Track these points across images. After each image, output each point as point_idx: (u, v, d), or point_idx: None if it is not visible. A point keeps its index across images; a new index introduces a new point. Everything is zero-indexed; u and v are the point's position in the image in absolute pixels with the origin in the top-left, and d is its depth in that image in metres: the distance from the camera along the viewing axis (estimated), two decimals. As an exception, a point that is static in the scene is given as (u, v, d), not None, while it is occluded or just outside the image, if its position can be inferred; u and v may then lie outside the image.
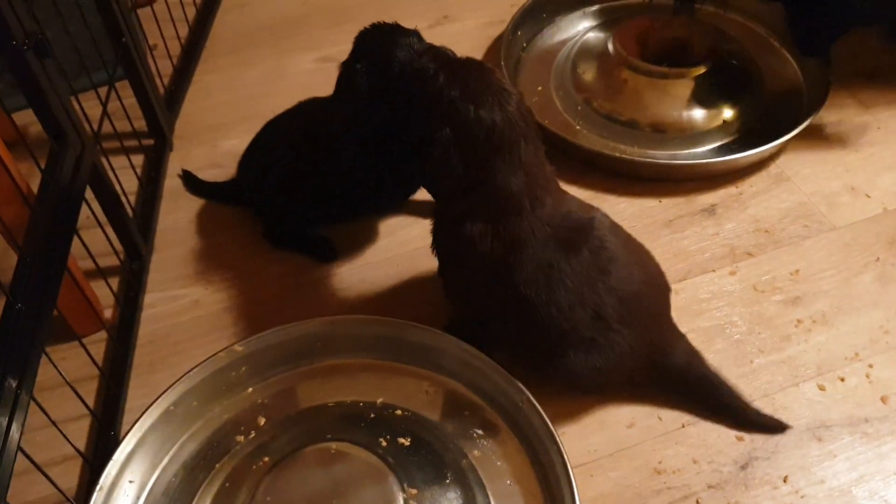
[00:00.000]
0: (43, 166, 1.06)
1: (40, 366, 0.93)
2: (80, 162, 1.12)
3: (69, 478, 1.10)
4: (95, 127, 1.23)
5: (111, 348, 1.22)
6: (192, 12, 1.78)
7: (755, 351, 1.19)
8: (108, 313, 1.27)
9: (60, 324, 1.18)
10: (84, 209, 1.13)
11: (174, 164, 1.49)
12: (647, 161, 1.43)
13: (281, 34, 1.78)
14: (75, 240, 1.09)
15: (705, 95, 1.49)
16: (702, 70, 1.48)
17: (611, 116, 1.51)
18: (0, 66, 0.97)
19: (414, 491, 1.01)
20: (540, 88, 1.59)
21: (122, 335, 1.24)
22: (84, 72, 1.28)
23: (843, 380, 1.15)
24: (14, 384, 0.86)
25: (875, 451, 1.08)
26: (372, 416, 1.10)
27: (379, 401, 1.12)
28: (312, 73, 1.67)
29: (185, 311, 1.28)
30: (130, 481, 1.05)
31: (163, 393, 1.08)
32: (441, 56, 1.06)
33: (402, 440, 1.07)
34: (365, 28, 1.16)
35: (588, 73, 1.56)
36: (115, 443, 1.08)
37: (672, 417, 1.12)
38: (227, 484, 1.04)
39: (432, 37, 1.61)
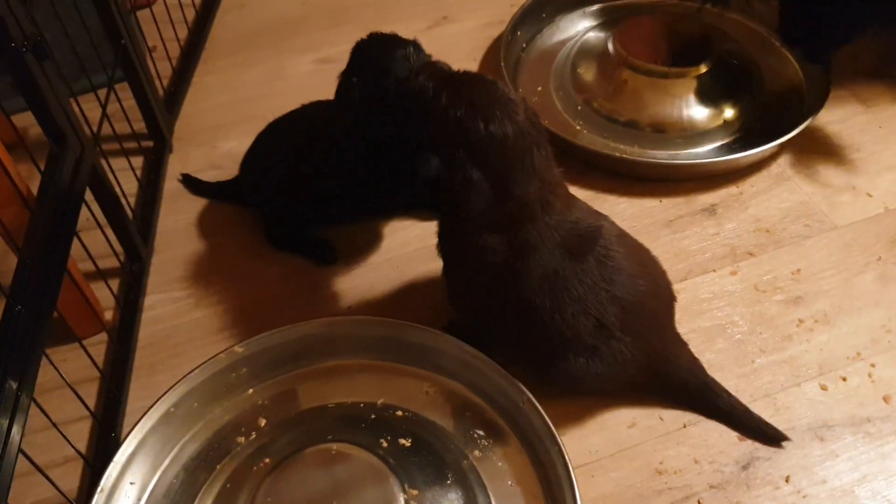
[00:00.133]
0: (42, 168, 1.06)
1: (41, 368, 0.93)
2: (79, 164, 1.12)
3: (70, 480, 1.10)
4: (95, 129, 1.23)
5: (111, 350, 1.22)
6: (191, 14, 1.78)
7: (756, 351, 1.19)
8: (108, 315, 1.27)
9: (61, 326, 1.18)
10: (84, 211, 1.13)
11: (174, 166, 1.49)
12: (647, 161, 1.43)
13: (280, 35, 1.78)
14: (75, 242, 1.09)
15: (706, 95, 1.48)
16: (702, 70, 1.48)
17: (611, 116, 1.51)
18: (-1, 68, 0.98)
19: (415, 492, 1.01)
20: (540, 89, 1.59)
21: (122, 337, 1.23)
22: (83, 74, 1.28)
23: (844, 379, 1.15)
24: (14, 386, 0.86)
25: (877, 451, 1.08)
26: (372, 416, 1.10)
27: (379, 402, 1.12)
28: (312, 75, 1.67)
29: (186, 312, 1.28)
30: (131, 483, 1.04)
31: (163, 394, 1.08)
32: (439, 73, 1.04)
33: (402, 441, 1.07)
34: (362, 39, 1.14)
35: (588, 74, 1.56)
36: (115, 444, 1.07)
37: (673, 417, 1.12)
38: (228, 485, 1.04)
39: (432, 37, 1.61)
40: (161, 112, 1.51)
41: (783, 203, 1.38)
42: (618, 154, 1.43)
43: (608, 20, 1.69)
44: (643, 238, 1.13)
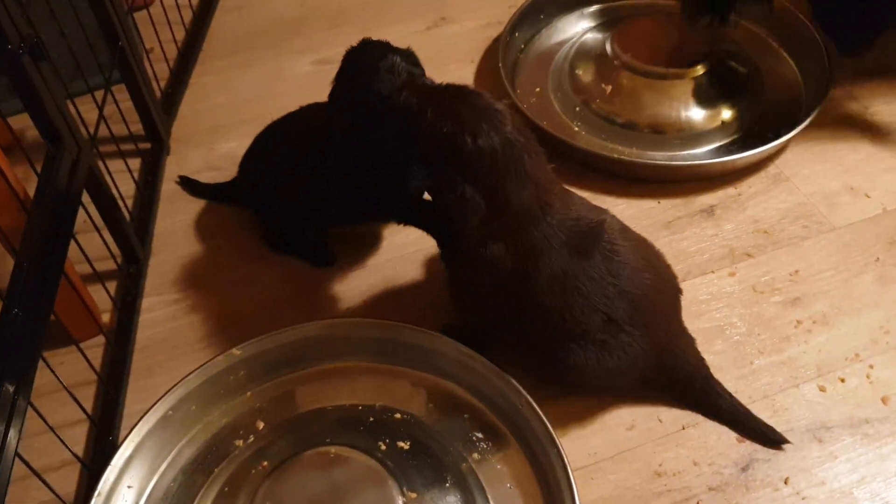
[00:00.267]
0: (39, 170, 1.06)
1: (38, 371, 0.93)
2: (76, 166, 1.12)
3: (67, 483, 1.09)
4: (92, 131, 1.23)
5: (109, 353, 1.22)
6: (188, 15, 1.78)
7: (755, 352, 1.19)
8: (105, 318, 1.27)
9: (58, 328, 1.18)
10: (81, 213, 1.13)
11: (171, 168, 1.49)
12: (645, 162, 1.43)
13: (278, 36, 1.77)
14: (72, 244, 1.09)
15: (704, 96, 1.48)
16: (700, 71, 1.48)
17: (609, 118, 1.51)
18: (-4, 70, 0.97)
19: (413, 495, 1.01)
20: (538, 90, 1.59)
21: (119, 340, 1.23)
22: (80, 75, 1.27)
23: (843, 381, 1.15)
24: (11, 390, 0.86)
25: (876, 453, 1.08)
26: (371, 419, 1.10)
27: (378, 404, 1.12)
28: (310, 76, 1.67)
29: (183, 315, 1.28)
30: (129, 487, 1.04)
31: (161, 397, 1.08)
32: (422, 88, 1.03)
33: (401, 444, 1.07)
34: (352, 47, 1.14)
35: (586, 75, 1.56)
36: (113, 448, 1.07)
37: (672, 419, 1.12)
38: (226, 489, 1.04)
39: (430, 38, 1.61)
40: (158, 114, 1.50)
41: (781, 204, 1.38)
42: (616, 155, 1.43)
43: (606, 21, 1.69)
44: (642, 240, 1.13)
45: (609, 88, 1.52)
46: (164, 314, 1.28)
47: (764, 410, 1.11)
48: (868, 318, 1.22)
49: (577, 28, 1.71)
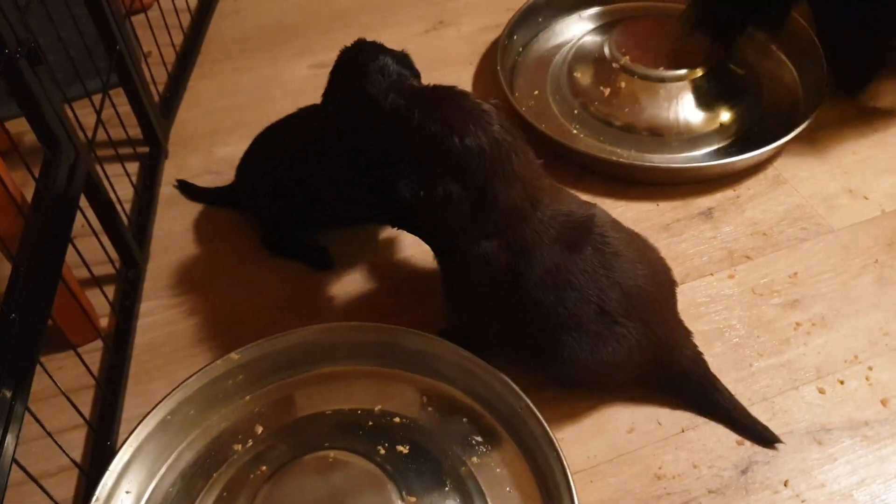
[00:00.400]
0: (37, 175, 1.06)
1: (35, 376, 0.92)
2: (74, 170, 1.11)
3: (65, 489, 1.09)
4: (90, 135, 1.23)
5: (107, 357, 1.22)
6: (186, 19, 1.77)
7: (754, 354, 1.19)
8: (103, 322, 1.27)
9: (55, 333, 1.18)
10: (79, 217, 1.12)
11: (169, 172, 1.49)
12: (644, 165, 1.43)
13: (276, 40, 1.77)
14: (70, 248, 1.08)
15: (702, 99, 1.48)
16: (699, 73, 1.48)
17: (607, 120, 1.50)
18: (-7, 74, 0.97)
19: (413, 499, 1.01)
20: (536, 93, 1.59)
21: (117, 344, 1.23)
22: (78, 79, 1.27)
23: (842, 383, 1.15)
24: (9, 395, 0.85)
25: (876, 455, 1.08)
26: (370, 423, 1.10)
27: (377, 408, 1.12)
28: (308, 79, 1.67)
29: (182, 319, 1.28)
30: (127, 492, 1.04)
31: (159, 402, 1.08)
32: (408, 90, 1.03)
33: (400, 448, 1.06)
34: (346, 47, 1.14)
35: (584, 77, 1.56)
36: (111, 453, 1.07)
37: (672, 422, 1.12)
38: (225, 493, 1.04)
39: (428, 42, 1.61)
40: (156, 117, 1.50)
41: (780, 206, 1.38)
42: (615, 158, 1.43)
43: (604, 24, 1.69)
44: (640, 242, 1.13)
45: (607, 91, 1.52)
46: (162, 318, 1.28)
47: (763, 413, 1.11)
48: (867, 319, 1.22)
49: (576, 31, 1.71)
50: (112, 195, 1.26)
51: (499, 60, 1.56)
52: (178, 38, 1.73)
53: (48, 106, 1.06)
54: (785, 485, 1.05)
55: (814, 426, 1.11)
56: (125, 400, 1.18)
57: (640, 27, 1.58)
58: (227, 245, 1.37)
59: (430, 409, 1.12)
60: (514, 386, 1.07)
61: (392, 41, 1.15)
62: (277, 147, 1.32)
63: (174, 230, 1.40)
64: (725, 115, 1.49)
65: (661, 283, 1.10)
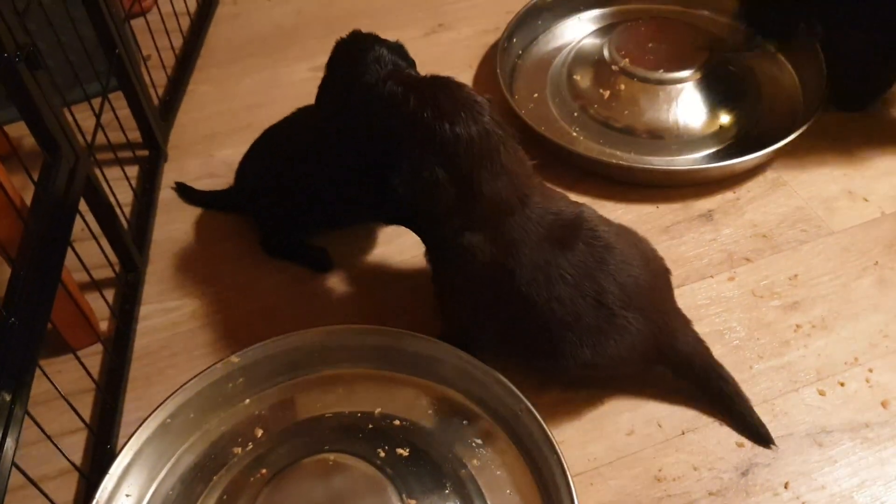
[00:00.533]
0: (36, 179, 1.06)
1: (35, 379, 0.92)
2: (73, 174, 1.11)
3: (65, 492, 1.09)
4: (89, 138, 1.23)
5: (107, 361, 1.22)
6: (185, 23, 1.78)
7: (754, 356, 1.18)
8: (103, 326, 1.27)
9: (55, 337, 1.18)
10: (78, 221, 1.12)
11: (169, 175, 1.49)
12: (643, 167, 1.43)
13: (275, 44, 1.77)
14: (69, 252, 1.08)
15: (702, 101, 1.48)
16: (698, 76, 1.48)
17: (607, 123, 1.50)
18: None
19: (413, 501, 1.01)
20: (536, 96, 1.59)
21: (117, 348, 1.23)
22: (77, 83, 1.27)
23: (842, 384, 1.15)
24: (8, 398, 0.86)
25: (876, 456, 1.08)
26: (370, 426, 1.10)
27: (377, 411, 1.12)
28: (307, 83, 1.66)
29: (182, 322, 1.28)
30: (127, 495, 1.04)
31: (159, 405, 1.07)
32: (406, 78, 1.05)
33: (400, 450, 1.06)
34: (342, 38, 1.15)
35: (584, 80, 1.56)
36: (111, 456, 1.07)
37: (672, 424, 1.12)
38: (225, 497, 1.04)
39: (427, 45, 1.61)
40: (156, 121, 1.50)
41: (780, 208, 1.38)
42: (614, 160, 1.43)
43: (604, 27, 1.69)
44: (640, 244, 1.13)
45: (607, 93, 1.52)
46: (162, 322, 1.28)
47: (764, 415, 1.11)
48: (867, 321, 1.22)
49: (575, 33, 1.71)
50: (111, 199, 1.26)
51: (498, 63, 1.56)
52: (178, 42, 1.73)
53: (47, 110, 1.06)
54: (785, 487, 1.05)
55: (814, 428, 1.11)
56: (125, 403, 1.18)
57: (639, 30, 1.58)
58: (227, 248, 1.37)
59: (430, 411, 1.12)
60: (514, 388, 1.07)
61: (391, 44, 1.15)
62: (276, 148, 1.32)
63: (174, 234, 1.40)
64: (725, 118, 1.49)
65: (655, 272, 1.11)
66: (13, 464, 0.84)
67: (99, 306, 1.24)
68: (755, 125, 1.50)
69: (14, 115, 1.07)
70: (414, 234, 1.19)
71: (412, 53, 1.16)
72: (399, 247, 1.35)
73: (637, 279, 1.05)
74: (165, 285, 1.33)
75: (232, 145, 1.50)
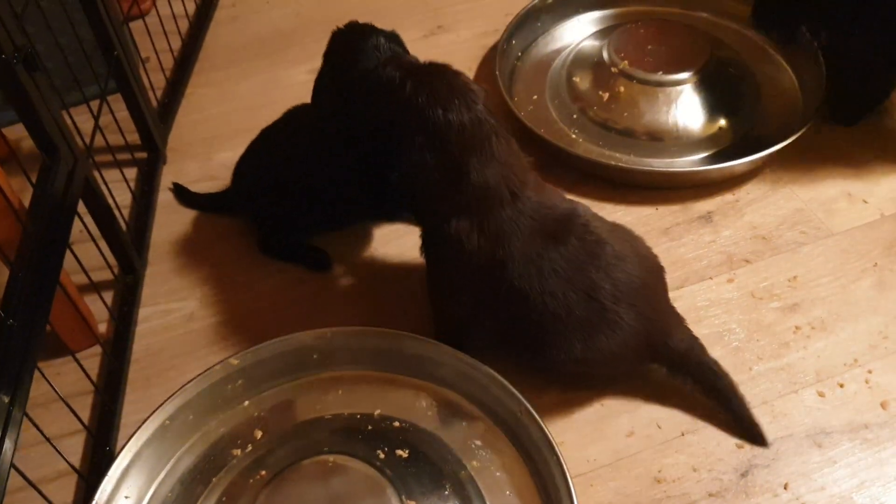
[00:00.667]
0: (35, 181, 1.06)
1: (34, 381, 0.92)
2: (72, 176, 1.11)
3: (64, 494, 1.09)
4: (88, 141, 1.23)
5: (106, 363, 1.22)
6: (184, 25, 1.78)
7: (754, 358, 1.18)
8: (102, 328, 1.27)
9: (54, 339, 1.18)
10: (77, 223, 1.12)
11: (168, 178, 1.49)
12: (643, 169, 1.43)
13: (274, 46, 1.77)
14: (68, 254, 1.08)
15: (701, 103, 1.48)
16: (697, 78, 1.48)
17: (606, 125, 1.50)
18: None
19: (412, 503, 1.01)
20: (535, 97, 1.59)
21: (116, 350, 1.23)
22: (76, 85, 1.27)
23: (842, 386, 1.15)
24: (7, 400, 0.85)
25: (875, 457, 1.08)
26: (369, 428, 1.10)
27: (376, 413, 1.12)
28: (306, 85, 1.64)
29: (180, 324, 1.28)
30: (126, 497, 1.04)
31: (158, 407, 1.07)
32: (406, 64, 1.06)
33: (399, 452, 1.06)
34: (338, 28, 1.16)
35: (583, 82, 1.56)
36: (110, 458, 1.07)
37: (671, 425, 1.12)
38: (224, 498, 1.04)
39: (427, 47, 1.61)
40: (155, 123, 1.50)
41: (779, 210, 1.38)
42: (614, 162, 1.43)
43: (603, 29, 1.69)
44: (639, 246, 1.13)
45: (606, 96, 1.52)
46: (161, 324, 1.28)
47: (763, 416, 1.11)
48: (866, 323, 1.22)
49: (574, 36, 1.71)
50: (110, 201, 1.26)
51: (497, 65, 1.56)
52: (177, 44, 1.73)
53: (46, 112, 1.06)
54: (785, 488, 1.05)
55: (813, 429, 1.11)
56: (124, 405, 1.18)
57: (638, 32, 1.58)
58: (226, 250, 1.37)
59: (429, 413, 1.12)
60: (514, 390, 1.07)
61: (390, 46, 1.15)
62: (273, 148, 1.32)
63: (173, 236, 1.40)
64: (724, 120, 1.49)
65: (649, 269, 1.11)
66: (12, 466, 0.84)
67: (98, 308, 1.24)
68: (754, 127, 1.50)
69: (12, 117, 1.07)
70: (414, 234, 1.19)
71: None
72: (399, 247, 1.35)
73: (630, 275, 1.06)
74: (164, 287, 1.33)
75: (231, 148, 1.50)
